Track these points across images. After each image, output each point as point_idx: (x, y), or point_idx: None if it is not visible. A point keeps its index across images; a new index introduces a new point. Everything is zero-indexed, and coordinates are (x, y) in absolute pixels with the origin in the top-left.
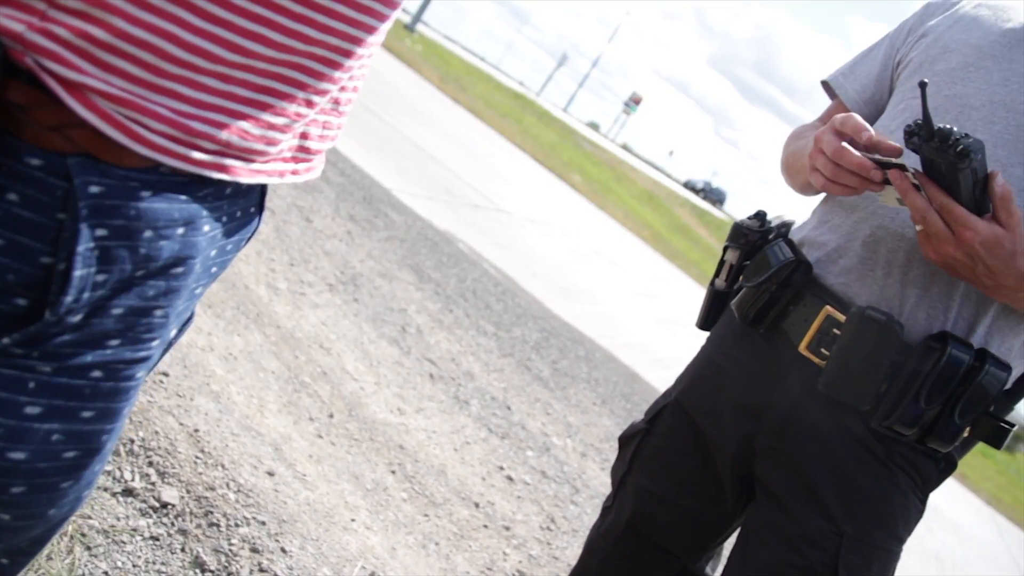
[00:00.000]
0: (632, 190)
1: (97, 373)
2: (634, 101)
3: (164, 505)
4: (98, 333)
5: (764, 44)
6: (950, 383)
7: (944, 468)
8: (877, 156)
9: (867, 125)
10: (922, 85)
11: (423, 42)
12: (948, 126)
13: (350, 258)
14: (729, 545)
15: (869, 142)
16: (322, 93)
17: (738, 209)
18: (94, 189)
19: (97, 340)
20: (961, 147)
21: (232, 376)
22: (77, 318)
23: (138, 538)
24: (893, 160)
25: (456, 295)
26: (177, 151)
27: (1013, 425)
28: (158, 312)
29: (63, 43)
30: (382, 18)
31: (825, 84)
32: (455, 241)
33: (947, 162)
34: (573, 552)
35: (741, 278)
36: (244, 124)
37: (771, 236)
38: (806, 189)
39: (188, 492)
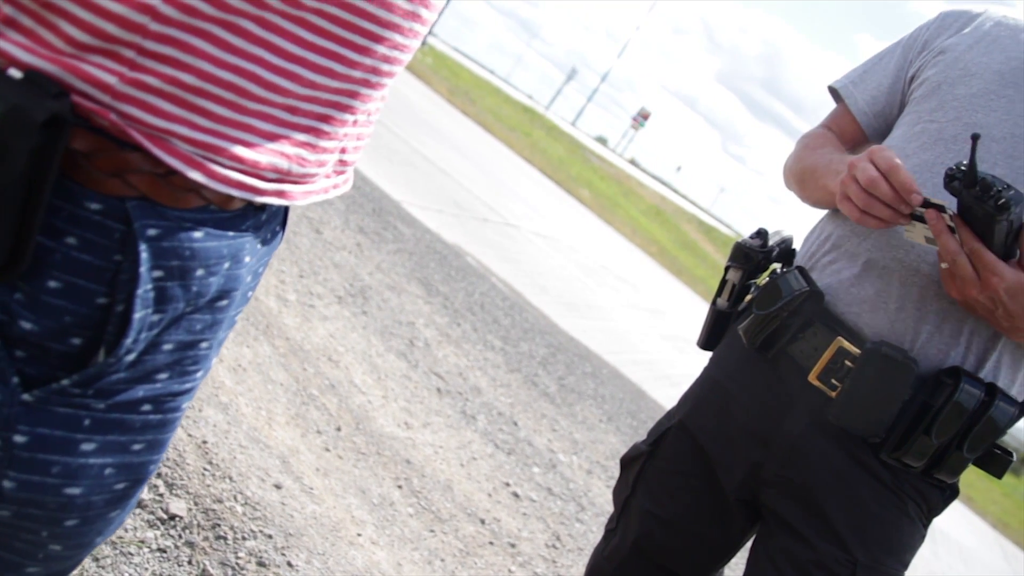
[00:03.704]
0: (639, 205)
1: (147, 407)
2: (642, 116)
3: (172, 517)
4: (149, 369)
5: (772, 61)
6: (961, 418)
7: (948, 495)
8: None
9: (901, 166)
10: (974, 137)
11: (433, 54)
12: (992, 176)
13: (359, 270)
14: (731, 566)
15: (901, 185)
16: (366, 112)
17: (745, 227)
18: (152, 232)
19: (148, 375)
20: (1003, 200)
21: (241, 388)
22: (132, 357)
23: (145, 550)
24: (932, 200)
25: (464, 309)
26: (247, 183)
27: (1012, 455)
28: (203, 344)
29: (154, 91)
30: (419, 35)
31: (832, 90)
32: (463, 255)
33: (985, 211)
34: (578, 570)
35: (751, 304)
36: (303, 151)
37: (773, 255)
38: (819, 204)
39: (196, 504)
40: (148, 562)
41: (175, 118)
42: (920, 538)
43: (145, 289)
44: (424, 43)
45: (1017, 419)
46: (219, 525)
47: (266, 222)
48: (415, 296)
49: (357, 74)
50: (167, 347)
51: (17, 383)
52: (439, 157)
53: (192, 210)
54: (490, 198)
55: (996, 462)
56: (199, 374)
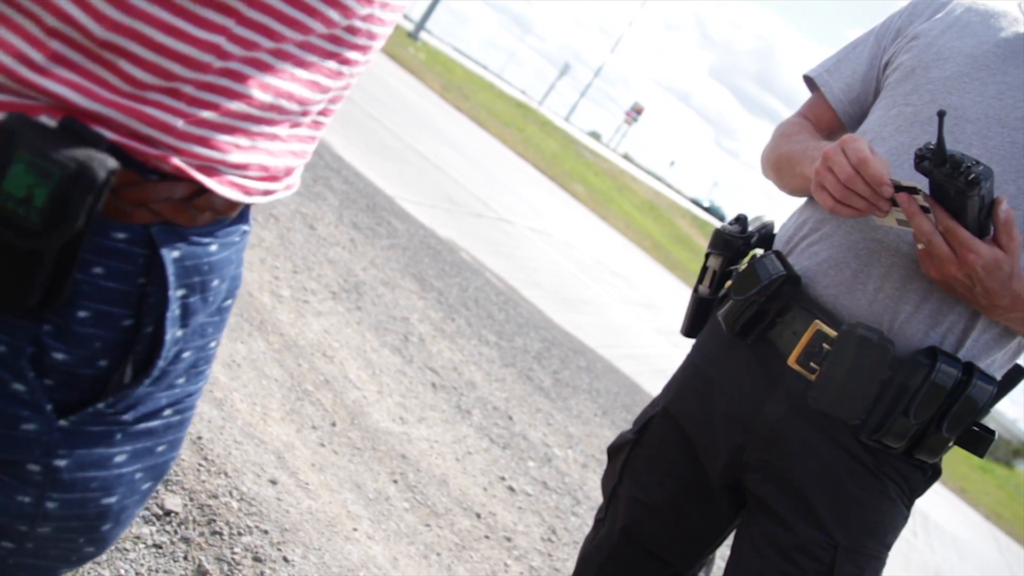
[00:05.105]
0: (633, 200)
1: (168, 411)
2: (636, 111)
3: (167, 513)
4: (171, 377)
5: (765, 55)
6: (939, 398)
7: (931, 476)
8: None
9: (870, 159)
10: (940, 114)
11: (426, 50)
12: (960, 153)
13: (353, 266)
14: (721, 552)
15: (871, 178)
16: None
17: None
18: (175, 254)
19: (170, 383)
20: (973, 175)
21: (235, 383)
22: (158, 372)
23: (141, 546)
24: (903, 184)
25: (458, 304)
26: (256, 188)
27: (994, 433)
28: (212, 344)
29: (211, 126)
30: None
31: (808, 79)
32: (457, 250)
33: (956, 188)
34: (574, 564)
35: (729, 289)
36: (294, 151)
37: (753, 240)
38: (796, 191)
39: (191, 500)
40: (144, 558)
41: (225, 147)
42: (903, 519)
43: (173, 310)
44: (417, 39)
45: (997, 397)
46: (215, 521)
47: (246, 219)
48: (409, 291)
49: (335, 92)
50: (186, 355)
51: (51, 410)
52: (433, 153)
53: (209, 226)
54: (484, 193)
55: (977, 441)
56: (208, 371)
